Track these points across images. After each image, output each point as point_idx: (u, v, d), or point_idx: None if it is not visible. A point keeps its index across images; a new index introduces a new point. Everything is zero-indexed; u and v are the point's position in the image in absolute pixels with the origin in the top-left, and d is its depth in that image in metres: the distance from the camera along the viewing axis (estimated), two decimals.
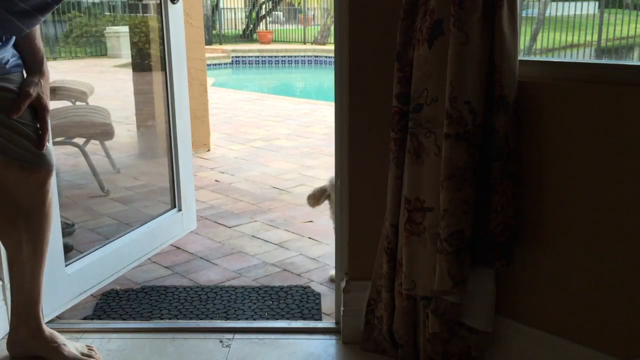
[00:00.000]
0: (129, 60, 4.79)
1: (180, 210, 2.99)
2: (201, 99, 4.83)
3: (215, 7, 18.60)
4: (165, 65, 2.81)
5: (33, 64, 1.77)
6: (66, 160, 3.91)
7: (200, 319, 2.25)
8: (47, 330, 1.93)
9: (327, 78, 12.16)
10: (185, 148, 2.97)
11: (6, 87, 1.70)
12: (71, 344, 1.94)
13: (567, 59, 2.01)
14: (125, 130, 5.25)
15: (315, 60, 14.64)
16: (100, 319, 2.24)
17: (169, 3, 2.73)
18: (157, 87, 4.04)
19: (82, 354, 1.92)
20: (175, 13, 2.80)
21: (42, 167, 1.79)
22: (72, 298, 2.30)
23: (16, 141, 1.73)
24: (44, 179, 1.81)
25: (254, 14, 19.05)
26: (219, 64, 13.80)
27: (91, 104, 4.49)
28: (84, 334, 2.12)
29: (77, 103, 4.46)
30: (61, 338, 1.93)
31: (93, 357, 1.93)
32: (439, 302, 1.79)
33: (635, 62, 1.68)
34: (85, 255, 2.42)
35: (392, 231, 1.82)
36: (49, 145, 1.81)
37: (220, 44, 16.18)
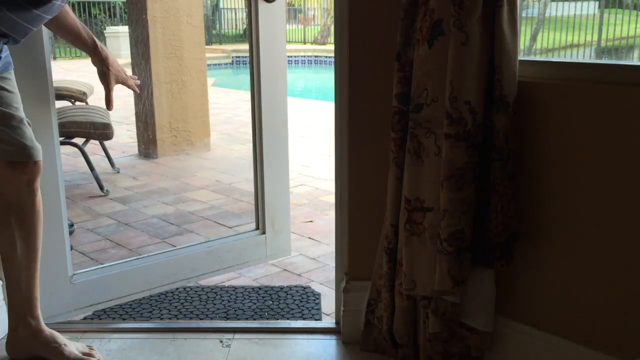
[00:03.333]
0: (129, 60, 4.80)
1: (264, 232, 2.67)
2: (201, 99, 4.84)
3: (216, 7, 18.60)
4: (252, 69, 2.58)
5: (85, 39, 1.89)
6: (66, 160, 3.91)
7: (200, 319, 2.25)
8: (48, 330, 1.93)
9: (327, 78, 12.15)
10: (278, 161, 2.66)
11: (2, 87, 1.72)
12: (72, 344, 1.94)
13: (567, 59, 2.01)
14: (125, 130, 5.26)
15: (315, 60, 14.62)
16: (100, 319, 2.24)
17: (261, 1, 2.50)
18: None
19: (83, 354, 1.92)
20: (270, 13, 2.53)
21: (29, 161, 1.79)
22: (77, 308, 2.27)
23: (3, 137, 1.74)
24: (33, 175, 1.82)
25: None
26: (219, 64, 13.80)
27: (91, 104, 4.50)
28: (84, 334, 2.12)
29: (77, 103, 4.47)
30: (62, 338, 1.93)
31: (94, 357, 1.92)
32: (439, 302, 1.78)
33: (635, 62, 1.68)
34: (105, 266, 2.38)
35: (392, 231, 1.82)
36: (36, 142, 1.81)
37: (220, 44, 16.19)
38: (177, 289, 2.47)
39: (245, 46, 2.74)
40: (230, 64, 14.10)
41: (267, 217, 2.66)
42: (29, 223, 1.85)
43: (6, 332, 1.96)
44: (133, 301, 2.36)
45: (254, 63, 2.57)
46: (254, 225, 2.71)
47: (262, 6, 2.50)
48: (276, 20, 2.56)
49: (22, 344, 1.91)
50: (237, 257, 2.63)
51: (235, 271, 2.63)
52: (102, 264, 2.50)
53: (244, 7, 19.81)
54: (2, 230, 1.85)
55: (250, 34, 2.55)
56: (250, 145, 2.68)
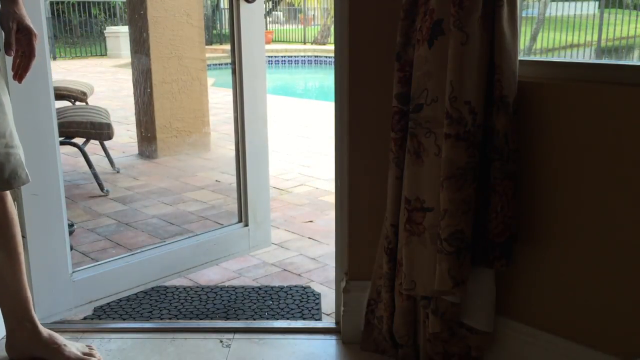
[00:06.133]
0: (129, 60, 4.80)
1: (247, 225, 2.77)
2: (201, 99, 4.84)
3: (216, 7, 18.59)
4: (235, 67, 2.66)
5: None
6: (66, 160, 3.91)
7: (200, 319, 2.25)
8: (46, 331, 1.92)
9: (327, 78, 12.16)
10: (259, 156, 2.77)
11: None
12: (72, 345, 1.93)
13: (567, 59, 2.01)
14: (125, 130, 5.26)
15: (315, 60, 14.64)
16: (100, 319, 2.24)
17: (242, 2, 2.57)
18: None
19: (84, 354, 1.91)
20: (251, 13, 2.61)
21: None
22: (77, 305, 2.27)
23: None
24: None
25: None
26: (219, 64, 13.78)
27: (91, 104, 4.50)
28: (84, 334, 2.12)
29: (77, 103, 4.47)
30: (61, 339, 1.93)
31: (94, 357, 1.92)
32: (439, 302, 1.78)
33: (635, 62, 1.68)
34: (103, 263, 2.38)
35: (392, 231, 1.82)
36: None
37: (221, 44, 16.18)
38: (176, 288, 2.48)
39: None
40: (230, 63, 14.09)
41: (249, 210, 2.75)
42: (4, 230, 1.81)
43: (5, 332, 1.96)
44: (133, 301, 2.37)
45: (236, 61, 2.65)
46: (239, 220, 2.80)
47: (243, 6, 2.58)
48: (256, 19, 2.65)
49: (21, 346, 1.91)
50: (223, 250, 2.72)
51: (215, 263, 2.69)
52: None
53: None
54: None
55: (232, 33, 2.62)
56: None
